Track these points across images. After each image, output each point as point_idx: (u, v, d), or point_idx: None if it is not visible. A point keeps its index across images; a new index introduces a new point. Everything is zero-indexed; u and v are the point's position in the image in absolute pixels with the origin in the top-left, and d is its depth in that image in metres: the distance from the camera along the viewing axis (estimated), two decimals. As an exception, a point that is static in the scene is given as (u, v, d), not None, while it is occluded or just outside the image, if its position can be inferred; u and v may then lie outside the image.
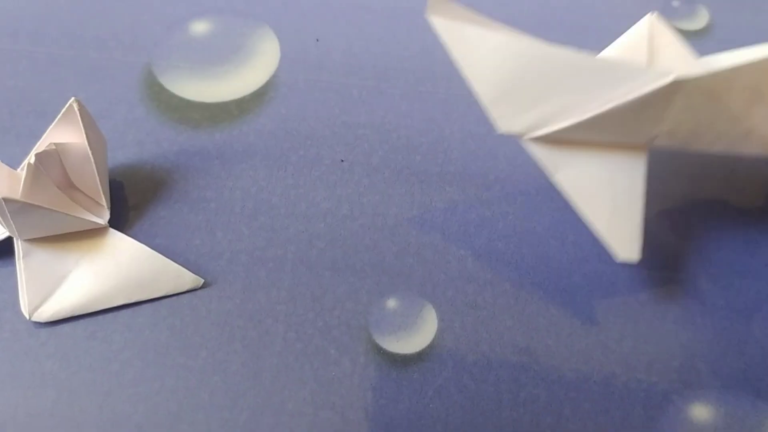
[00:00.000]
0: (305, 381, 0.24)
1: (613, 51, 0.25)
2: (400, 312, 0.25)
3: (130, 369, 0.24)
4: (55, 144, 0.24)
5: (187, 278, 0.25)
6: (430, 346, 0.24)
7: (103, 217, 0.25)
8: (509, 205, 0.27)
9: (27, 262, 0.24)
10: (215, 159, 0.28)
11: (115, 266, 0.25)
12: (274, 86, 0.30)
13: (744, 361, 0.24)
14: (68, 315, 0.24)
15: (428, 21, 0.22)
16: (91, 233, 0.25)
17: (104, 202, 0.25)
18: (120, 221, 0.26)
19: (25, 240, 0.25)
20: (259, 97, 0.30)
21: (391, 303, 0.25)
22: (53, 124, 0.25)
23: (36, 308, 0.24)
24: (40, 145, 0.25)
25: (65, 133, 0.25)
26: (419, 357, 0.24)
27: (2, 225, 0.24)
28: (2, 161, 0.25)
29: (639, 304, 0.25)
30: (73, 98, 0.24)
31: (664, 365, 0.24)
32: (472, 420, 0.23)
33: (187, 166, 0.28)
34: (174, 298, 0.25)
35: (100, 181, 0.25)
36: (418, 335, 0.25)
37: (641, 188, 0.23)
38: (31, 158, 0.24)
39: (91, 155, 0.24)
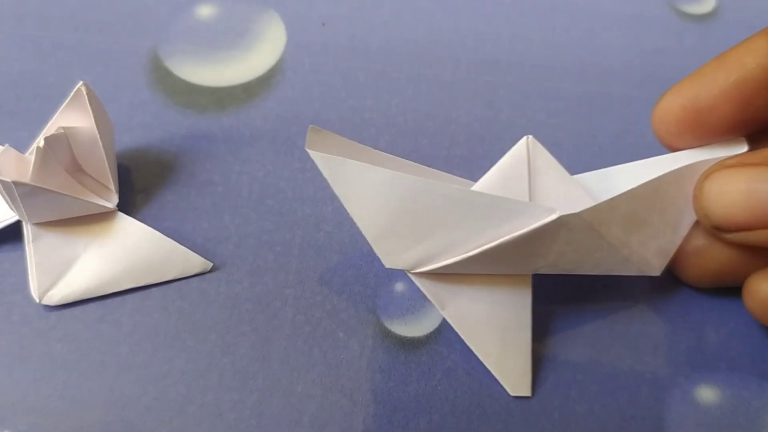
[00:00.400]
0: (314, 364, 0.24)
1: (494, 175, 0.24)
2: (407, 295, 0.25)
3: (140, 352, 0.24)
4: (63, 128, 0.24)
5: (195, 261, 0.25)
6: (438, 329, 0.25)
7: (111, 201, 0.25)
8: (516, 188, 0.27)
9: (36, 246, 0.24)
10: (222, 143, 0.28)
11: (123, 250, 0.25)
12: (281, 70, 0.30)
13: (750, 344, 0.25)
14: (78, 298, 0.24)
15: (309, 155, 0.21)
16: (99, 217, 0.25)
17: (112, 185, 0.25)
18: (128, 205, 0.26)
19: (35, 224, 0.25)
20: (265, 81, 0.30)
21: (399, 286, 0.25)
22: (61, 107, 0.25)
23: (46, 291, 0.24)
24: (49, 129, 0.25)
25: (73, 117, 0.25)
26: (427, 340, 0.24)
27: (11, 209, 0.24)
28: (10, 145, 0.25)
29: (646, 286, 0.25)
30: (81, 82, 0.24)
31: (670, 348, 0.24)
32: (480, 402, 0.23)
33: (194, 150, 0.28)
34: (182, 282, 0.25)
35: (108, 164, 0.25)
36: (425, 318, 0.25)
37: (528, 320, 0.24)
38: (40, 142, 0.24)
39: (99, 139, 0.24)
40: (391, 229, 0.22)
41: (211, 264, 0.25)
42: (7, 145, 0.25)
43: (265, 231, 0.26)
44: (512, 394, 0.24)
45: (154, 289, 0.25)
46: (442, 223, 0.22)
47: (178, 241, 0.25)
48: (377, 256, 0.23)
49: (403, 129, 0.28)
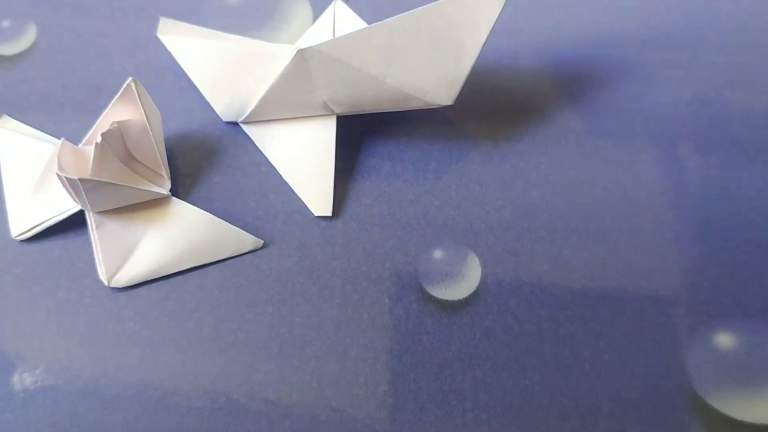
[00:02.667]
0: (364, 329, 0.26)
1: (306, 35, 0.30)
2: (446, 261, 0.27)
3: (205, 326, 0.26)
4: (116, 122, 0.26)
5: (248, 240, 0.27)
6: (476, 292, 0.27)
7: (165, 187, 0.27)
8: (541, 155, 0.29)
9: (100, 233, 0.26)
10: (261, 123, 0.30)
11: (180, 233, 0.27)
12: (310, 48, 0.31)
13: (765, 293, 0.27)
14: (143, 279, 0.27)
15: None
16: (155, 203, 0.27)
17: (165, 172, 0.27)
18: (178, 189, 0.28)
19: (97, 213, 0.26)
20: (296, 60, 0.31)
21: (438, 253, 0.27)
22: (112, 102, 0.26)
23: (113, 275, 0.26)
24: (102, 124, 0.27)
25: (124, 111, 0.27)
26: (466, 302, 0.27)
27: (74, 200, 0.26)
28: (60, 135, 0.26)
29: (666, 243, 0.27)
30: (130, 78, 0.26)
31: (691, 298, 0.27)
32: (518, 357, 0.26)
33: (236, 132, 0.29)
34: (237, 259, 0.27)
35: (159, 153, 0.27)
36: (464, 282, 0.27)
37: (332, 152, 0.28)
38: (97, 138, 0.25)
39: (150, 130, 0.26)
40: (219, 86, 0.28)
41: (262, 242, 0.27)
42: (63, 138, 0.27)
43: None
44: (316, 214, 0.28)
45: (211, 268, 0.27)
46: (245, 74, 0.28)
47: (228, 221, 0.27)
48: (415, 228, 0.26)
49: (431, 102, 0.30)
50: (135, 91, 0.26)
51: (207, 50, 0.28)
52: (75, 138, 0.28)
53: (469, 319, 0.26)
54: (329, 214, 0.28)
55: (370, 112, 0.27)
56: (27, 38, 0.31)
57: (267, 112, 0.28)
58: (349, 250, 0.27)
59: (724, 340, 0.26)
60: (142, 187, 0.26)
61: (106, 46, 0.31)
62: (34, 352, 0.26)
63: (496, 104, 0.30)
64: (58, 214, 0.27)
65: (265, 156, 0.29)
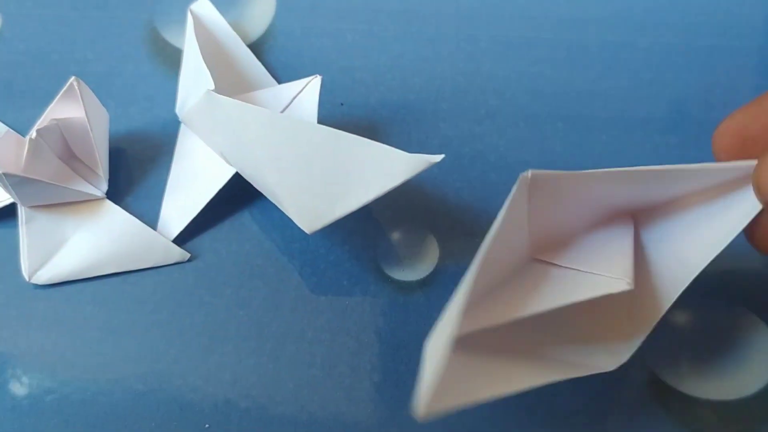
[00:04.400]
0: (322, 310, 0.26)
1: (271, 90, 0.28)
2: (404, 243, 0.27)
3: (163, 309, 0.26)
4: (56, 119, 0.26)
5: (174, 252, 0.27)
6: (434, 273, 0.27)
7: (101, 189, 0.27)
8: (500, 137, 0.29)
9: (29, 228, 0.27)
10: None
11: (109, 237, 0.27)
12: (272, 35, 0.31)
13: (718, 269, 0.27)
14: (64, 279, 0.27)
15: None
16: (89, 204, 0.27)
17: (102, 172, 0.27)
18: (120, 187, 0.28)
19: (29, 207, 0.27)
20: (258, 46, 0.31)
21: (396, 235, 0.28)
22: (55, 99, 0.27)
23: (35, 271, 0.26)
24: (43, 120, 0.27)
25: (66, 108, 0.27)
26: (424, 282, 0.27)
27: (6, 192, 0.26)
28: (20, 124, 0.27)
29: (623, 223, 0.28)
30: (73, 77, 0.26)
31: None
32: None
33: None
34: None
35: (99, 154, 0.27)
36: (422, 263, 0.27)
37: (210, 195, 0.27)
38: (32, 133, 0.25)
39: (90, 130, 0.26)
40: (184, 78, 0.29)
41: (189, 255, 0.27)
42: (8, 129, 0.27)
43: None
44: (159, 230, 0.27)
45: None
46: (190, 81, 0.28)
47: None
48: (375, 209, 0.26)
49: (391, 86, 0.30)
50: (77, 90, 0.26)
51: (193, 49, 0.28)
52: (32, 125, 0.28)
53: (426, 300, 0.26)
54: (171, 238, 0.27)
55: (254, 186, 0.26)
56: (-10, 27, 0.31)
57: (191, 125, 0.28)
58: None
59: (679, 318, 0.26)
60: (75, 187, 0.27)
61: (69, 35, 0.31)
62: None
63: (454, 87, 0.30)
64: None
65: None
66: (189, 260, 0.27)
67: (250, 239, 0.27)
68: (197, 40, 0.27)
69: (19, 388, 0.25)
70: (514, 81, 0.30)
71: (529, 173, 0.20)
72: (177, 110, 0.29)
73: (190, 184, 0.28)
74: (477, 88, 0.30)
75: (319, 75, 0.27)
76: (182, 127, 0.29)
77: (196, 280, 0.27)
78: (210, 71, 0.25)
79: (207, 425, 0.25)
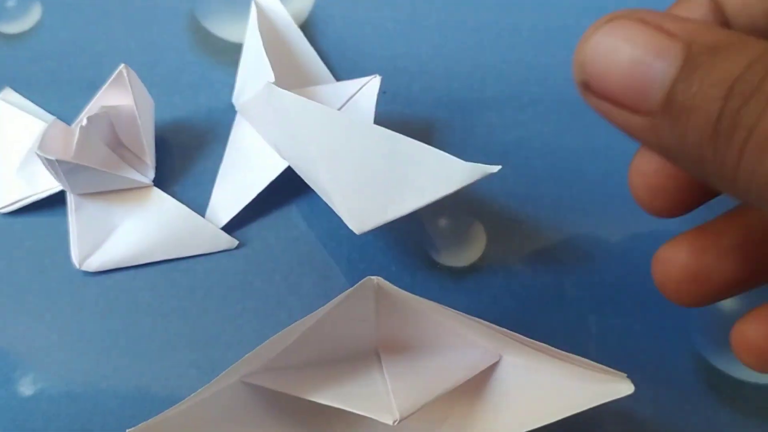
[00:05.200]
0: (372, 296, 0.26)
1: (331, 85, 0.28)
2: (451, 229, 0.27)
3: (214, 295, 0.26)
4: (105, 107, 0.26)
5: (223, 239, 0.27)
6: (481, 259, 0.27)
7: (148, 176, 0.27)
8: (544, 124, 0.29)
9: (78, 215, 0.27)
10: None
11: (157, 224, 0.27)
12: (313, 23, 0.31)
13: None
14: (113, 266, 0.27)
15: None
16: (136, 191, 0.27)
17: (150, 160, 0.27)
18: (166, 176, 0.28)
19: (77, 194, 0.27)
20: (299, 35, 0.31)
21: (443, 222, 0.28)
22: (104, 87, 0.27)
23: (85, 258, 0.27)
24: (92, 107, 0.27)
25: (115, 96, 0.27)
26: (472, 268, 0.27)
27: (56, 179, 0.26)
28: (65, 113, 0.27)
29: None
30: (122, 64, 0.26)
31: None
32: (524, 322, 0.26)
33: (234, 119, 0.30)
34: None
35: (146, 142, 0.27)
36: (469, 249, 0.27)
37: (262, 186, 0.27)
38: (82, 120, 0.26)
39: (138, 118, 0.26)
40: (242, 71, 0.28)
41: (237, 242, 0.27)
42: (55, 118, 0.27)
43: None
44: (207, 216, 0.27)
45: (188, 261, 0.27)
46: (251, 71, 0.27)
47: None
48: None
49: (435, 74, 0.30)
50: (126, 78, 0.26)
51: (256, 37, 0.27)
52: (77, 115, 0.28)
53: (475, 285, 0.27)
54: (220, 225, 0.27)
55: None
56: (32, 16, 0.31)
57: (246, 115, 0.28)
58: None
59: (729, 302, 0.26)
60: (124, 174, 0.27)
61: (111, 25, 0.31)
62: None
63: (497, 75, 0.30)
64: (40, 192, 0.27)
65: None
66: (237, 247, 0.27)
67: (298, 226, 0.28)
68: (260, 31, 0.27)
69: (69, 375, 0.25)
70: (556, 69, 0.30)
71: (376, 281, 0.21)
72: (234, 99, 0.29)
73: (242, 174, 0.28)
74: (519, 76, 0.30)
75: (379, 75, 0.27)
76: (237, 116, 0.29)
77: (246, 267, 0.27)
78: (271, 63, 0.25)
79: None
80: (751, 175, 0.14)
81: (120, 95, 0.27)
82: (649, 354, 0.26)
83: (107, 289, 0.27)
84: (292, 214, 0.28)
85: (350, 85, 0.27)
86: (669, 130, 0.15)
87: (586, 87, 0.17)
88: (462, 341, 0.23)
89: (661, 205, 0.21)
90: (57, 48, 0.31)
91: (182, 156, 0.29)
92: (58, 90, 0.30)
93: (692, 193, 0.20)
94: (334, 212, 0.27)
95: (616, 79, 0.16)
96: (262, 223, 0.28)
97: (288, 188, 0.28)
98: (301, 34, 0.30)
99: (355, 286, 0.21)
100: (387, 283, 0.21)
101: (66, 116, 0.28)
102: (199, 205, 0.28)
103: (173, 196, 0.28)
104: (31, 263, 0.27)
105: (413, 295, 0.21)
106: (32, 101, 0.30)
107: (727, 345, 0.26)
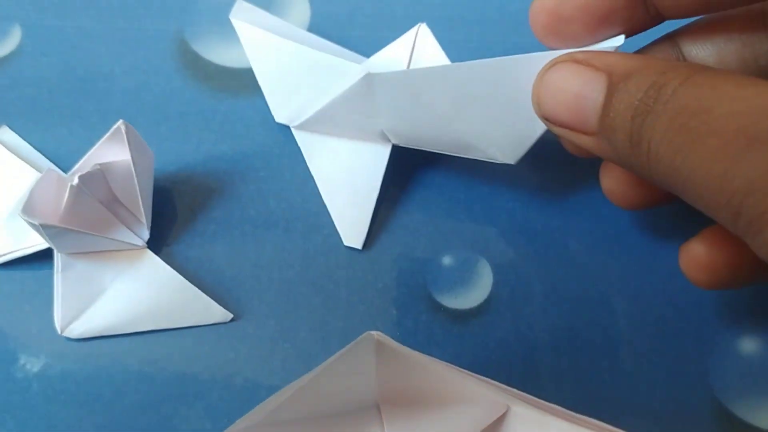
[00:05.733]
0: (372, 342, 0.25)
1: (380, 54, 0.27)
2: (455, 268, 0.26)
3: (205, 342, 0.25)
4: (99, 164, 0.24)
5: (216, 311, 0.25)
6: (488, 300, 0.25)
7: (142, 237, 0.26)
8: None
9: (65, 276, 0.25)
10: (259, 126, 0.28)
11: (147, 291, 0.25)
12: (308, 45, 0.30)
13: (790, 295, 0.26)
14: (97, 334, 0.25)
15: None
16: (128, 252, 0.26)
17: (144, 219, 0.25)
18: (163, 231, 0.27)
19: (65, 254, 0.25)
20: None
21: (447, 260, 0.26)
22: (100, 142, 0.25)
23: (68, 324, 0.25)
24: (86, 163, 0.25)
25: (111, 152, 0.25)
26: (478, 311, 0.25)
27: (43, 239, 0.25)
28: (46, 143, 0.26)
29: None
30: (120, 120, 0.24)
31: (714, 303, 0.25)
32: (533, 367, 0.24)
33: (231, 165, 0.28)
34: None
35: (143, 200, 0.25)
36: (475, 290, 0.26)
37: (378, 183, 0.26)
38: (74, 180, 0.24)
39: (135, 177, 0.25)
40: (280, 86, 0.27)
41: (231, 315, 0.25)
42: (49, 167, 0.25)
43: (312, 213, 0.27)
44: (346, 244, 0.26)
45: (210, 280, 0.26)
46: (308, 81, 0.26)
47: (207, 270, 0.26)
48: (422, 233, 0.24)
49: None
50: (124, 134, 0.24)
51: (278, 48, 0.26)
52: (63, 150, 0.27)
53: (482, 329, 0.25)
54: (360, 247, 0.26)
55: (428, 149, 0.25)
56: (12, 41, 0.30)
57: (321, 125, 0.27)
58: (353, 258, 0.26)
59: (749, 346, 0.25)
60: (115, 236, 0.25)
61: (94, 49, 0.30)
62: None
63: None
64: (27, 248, 0.25)
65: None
66: (231, 320, 0.25)
67: (293, 266, 0.26)
68: (266, 41, 0.26)
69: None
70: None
71: (376, 336, 0.20)
72: (285, 120, 0.28)
73: (350, 183, 0.27)
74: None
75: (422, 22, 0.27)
76: (300, 137, 0.28)
77: (237, 309, 0.25)
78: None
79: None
80: (662, 176, 0.17)
81: (117, 151, 0.25)
82: (666, 401, 0.24)
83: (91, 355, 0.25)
84: (286, 251, 0.26)
85: (400, 44, 0.27)
86: (607, 146, 0.19)
87: (545, 118, 0.21)
88: (467, 395, 0.22)
89: (629, 200, 0.24)
90: (37, 74, 0.29)
91: (183, 208, 0.27)
92: (38, 118, 0.28)
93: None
94: (331, 248, 0.26)
95: (563, 111, 0.20)
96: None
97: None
98: (292, 26, 0.28)
99: (354, 341, 0.20)
100: (387, 338, 0.20)
101: (48, 147, 0.27)
102: (197, 265, 0.26)
103: (170, 256, 0.26)
104: (12, 322, 0.25)
105: (415, 352, 0.20)
106: (13, 130, 0.28)
107: (747, 391, 0.24)
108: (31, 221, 0.22)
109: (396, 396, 0.22)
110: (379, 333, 0.20)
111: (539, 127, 0.22)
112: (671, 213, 0.27)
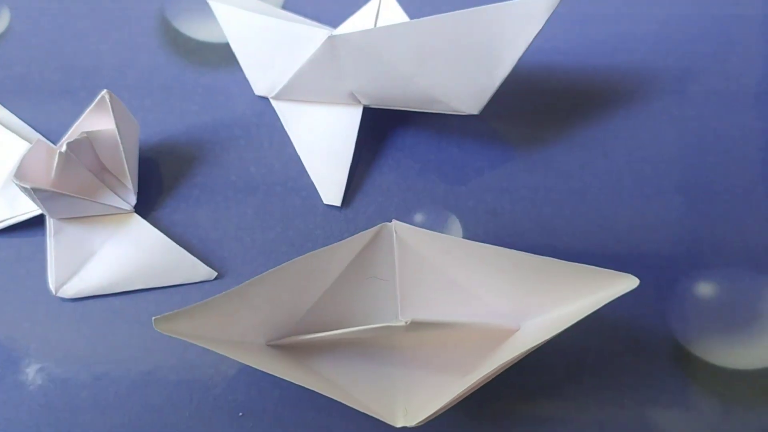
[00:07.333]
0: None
1: (348, 22, 0.29)
2: (427, 225, 0.27)
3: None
4: (86, 132, 0.26)
5: (201, 270, 0.27)
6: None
7: (129, 202, 0.27)
8: (518, 118, 0.29)
9: (57, 240, 0.26)
10: (238, 96, 0.30)
11: (136, 252, 0.27)
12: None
13: (743, 240, 0.27)
14: (90, 294, 0.26)
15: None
16: (117, 217, 0.27)
17: (131, 185, 0.27)
18: (150, 196, 0.28)
19: (57, 219, 0.26)
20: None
21: (419, 217, 0.28)
22: (86, 112, 0.26)
23: (62, 285, 0.26)
24: (74, 132, 0.26)
25: (97, 120, 0.26)
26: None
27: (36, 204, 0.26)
28: (37, 120, 0.27)
29: (646, 197, 0.28)
30: (105, 90, 0.26)
31: (672, 250, 0.27)
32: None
33: (218, 134, 0.29)
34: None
35: (129, 167, 0.26)
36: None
37: (352, 143, 0.28)
38: (62, 146, 0.25)
39: (120, 144, 0.26)
40: (257, 59, 0.29)
41: (216, 273, 0.27)
42: (39, 138, 0.27)
43: (290, 178, 0.28)
44: (326, 202, 0.28)
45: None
46: (281, 51, 0.27)
47: (192, 237, 0.27)
48: (395, 192, 0.26)
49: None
50: (108, 103, 0.26)
51: (251, 23, 0.28)
52: (53, 124, 0.28)
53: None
54: (338, 204, 0.28)
55: (396, 108, 0.27)
56: (1, 23, 0.31)
57: (296, 93, 0.28)
58: (329, 218, 0.28)
59: (706, 289, 0.26)
60: (104, 201, 0.26)
61: (81, 28, 0.31)
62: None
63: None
64: (20, 215, 0.27)
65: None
66: (215, 278, 0.27)
67: (274, 227, 0.27)
68: (240, 18, 0.28)
69: (43, 381, 0.25)
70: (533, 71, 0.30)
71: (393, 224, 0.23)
72: (263, 92, 0.29)
73: (326, 146, 0.28)
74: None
75: None
76: (278, 106, 0.29)
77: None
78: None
79: (240, 413, 0.25)
80: None
81: (102, 120, 0.26)
82: (627, 344, 0.26)
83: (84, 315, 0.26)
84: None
85: (364, 13, 0.29)
86: None
87: None
88: (483, 305, 0.24)
89: None
90: (27, 53, 0.31)
91: (168, 176, 0.29)
92: (29, 96, 0.30)
93: None
94: (309, 215, 0.27)
95: None
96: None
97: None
98: (267, 5, 0.30)
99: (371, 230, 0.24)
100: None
101: (39, 123, 0.29)
102: (182, 228, 0.28)
103: (157, 220, 0.27)
104: (7, 287, 0.27)
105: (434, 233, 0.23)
106: (2, 106, 0.29)
107: (704, 331, 0.26)
108: (23, 185, 0.24)
109: (415, 284, 0.25)
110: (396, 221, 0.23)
111: (498, 77, 0.24)
112: (635, 170, 0.28)
